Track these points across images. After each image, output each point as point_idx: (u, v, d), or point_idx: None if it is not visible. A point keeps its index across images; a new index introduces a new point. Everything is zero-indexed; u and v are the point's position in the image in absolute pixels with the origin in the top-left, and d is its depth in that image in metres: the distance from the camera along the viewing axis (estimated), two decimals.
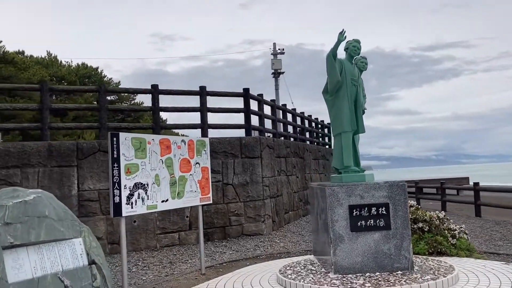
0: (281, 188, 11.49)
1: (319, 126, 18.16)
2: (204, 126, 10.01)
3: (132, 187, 5.37)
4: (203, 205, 6.66)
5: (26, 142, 8.53)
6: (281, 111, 13.35)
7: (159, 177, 5.78)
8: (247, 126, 10.59)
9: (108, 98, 19.70)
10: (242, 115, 10.69)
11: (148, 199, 5.57)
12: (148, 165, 5.64)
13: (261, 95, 11.37)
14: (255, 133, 11.16)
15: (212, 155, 9.73)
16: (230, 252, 8.33)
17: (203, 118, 10.00)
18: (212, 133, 10.54)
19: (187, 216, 9.26)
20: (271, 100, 12.32)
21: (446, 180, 25.95)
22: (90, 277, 4.51)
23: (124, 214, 5.23)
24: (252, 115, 10.76)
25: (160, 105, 9.76)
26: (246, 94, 10.56)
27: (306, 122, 15.95)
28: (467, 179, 30.93)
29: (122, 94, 22.57)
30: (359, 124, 5.78)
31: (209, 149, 6.84)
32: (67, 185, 8.39)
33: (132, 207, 5.33)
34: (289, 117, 14.05)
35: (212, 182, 9.66)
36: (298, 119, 15.03)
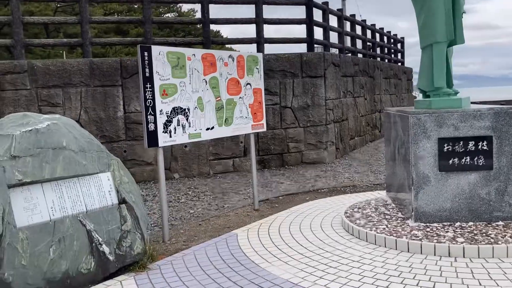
0: (346, 112, 10.30)
1: (392, 40, 16.22)
2: (260, 41, 8.83)
3: (170, 113, 4.49)
4: (256, 133, 5.73)
5: (67, 59, 7.85)
6: (348, 23, 11.73)
7: (202, 101, 4.85)
8: (309, 40, 9.27)
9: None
10: (303, 27, 9.35)
11: (189, 126, 4.70)
12: (189, 86, 4.70)
13: (326, 3, 9.85)
14: (318, 49, 9.84)
15: (269, 74, 8.64)
16: (288, 182, 7.51)
17: (259, 31, 8.79)
18: (269, 49, 9.39)
19: (241, 142, 8.45)
20: (337, 10, 10.75)
21: None
22: (119, 219, 3.80)
23: (161, 144, 4.41)
24: (315, 27, 9.38)
25: (210, 17, 8.63)
26: (308, 2, 9.12)
27: (377, 36, 14.17)
28: None
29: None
30: (458, 32, 4.39)
31: (262, 67, 5.76)
32: (112, 107, 7.75)
33: (170, 136, 4.50)
34: (358, 30, 12.42)
35: (268, 105, 8.67)
36: (368, 33, 13.30)
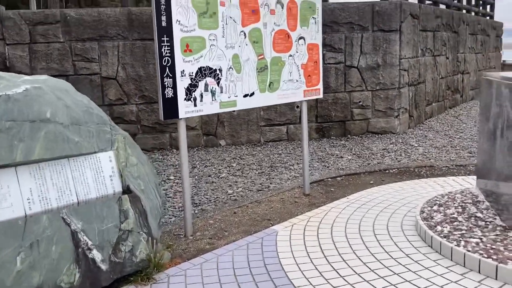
0: (424, 73, 8.77)
1: None
2: None
3: (194, 74, 3.48)
4: (309, 101, 4.61)
5: (102, 8, 7.03)
6: None
7: (239, 59, 3.78)
8: None
9: None
10: None
11: (221, 92, 3.68)
12: (222, 39, 3.64)
13: None
14: None
15: (332, 27, 7.33)
16: (349, 157, 6.35)
17: None
18: None
19: (297, 107, 7.33)
20: None
21: None
22: (118, 215, 2.93)
23: (182, 115, 3.45)
24: None
25: None
26: None
27: None
28: None
29: None
30: None
31: (321, 16, 4.53)
32: (152, 63, 6.88)
33: (195, 105, 3.51)
34: None
35: (330, 64, 7.41)
36: None
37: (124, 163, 3.13)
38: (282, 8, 4.07)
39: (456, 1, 11.36)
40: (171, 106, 3.37)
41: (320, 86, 4.55)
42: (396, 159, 6.20)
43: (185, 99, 3.44)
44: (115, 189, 3.04)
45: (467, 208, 3.67)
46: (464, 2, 12.37)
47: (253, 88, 3.91)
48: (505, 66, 21.99)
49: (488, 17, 14.49)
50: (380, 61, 7.55)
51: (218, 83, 3.64)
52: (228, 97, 3.73)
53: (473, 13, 12.77)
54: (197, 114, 3.56)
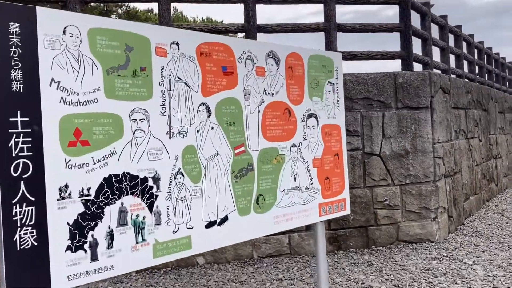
0: (459, 160, 6.99)
1: (502, 64, 12.64)
2: (329, 34, 5.89)
3: (95, 193, 1.63)
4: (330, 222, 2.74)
5: None
6: (452, 36, 8.53)
7: (197, 156, 1.96)
8: (406, 54, 6.23)
9: None
10: (395, 35, 6.35)
11: (158, 223, 1.81)
12: (160, 120, 1.85)
13: (427, 3, 6.80)
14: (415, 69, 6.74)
15: (345, 104, 5.66)
16: (378, 283, 4.35)
17: (329, 36, 5.89)
18: (343, 67, 6.46)
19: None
20: (440, 16, 7.63)
21: None
22: None
23: (59, 285, 1.54)
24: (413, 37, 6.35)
25: None
26: (404, 0, 6.14)
27: (485, 57, 10.77)
28: None
29: None
30: None
31: (342, 81, 2.81)
32: None
33: (94, 257, 1.62)
34: (463, 47, 9.17)
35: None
36: (475, 53, 9.98)
37: None
38: (278, 65, 2.34)
39: (478, 76, 9.91)
40: (31, 266, 1.50)
41: (346, 194, 2.70)
42: None
43: (70, 248, 1.57)
44: None
45: None
46: (486, 77, 10.96)
47: (225, 209, 2.06)
48: None
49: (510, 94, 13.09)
50: (408, 146, 5.78)
51: (150, 207, 1.79)
52: (174, 232, 1.86)
53: (496, 89, 11.33)
54: (99, 278, 1.66)
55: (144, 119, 1.79)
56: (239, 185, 2.13)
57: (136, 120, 1.77)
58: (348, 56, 6.11)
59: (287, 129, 2.41)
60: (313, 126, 2.55)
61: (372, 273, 4.77)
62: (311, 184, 2.50)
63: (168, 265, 5.20)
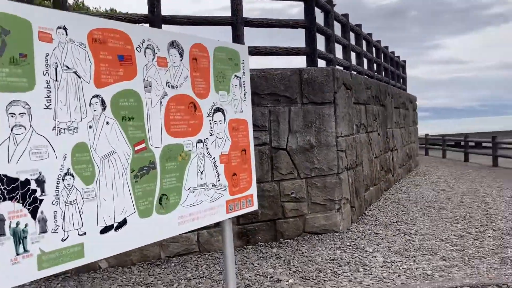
0: (360, 153, 7.34)
1: (395, 62, 13.51)
2: (235, 24, 5.84)
3: None
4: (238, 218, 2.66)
5: None
6: (353, 35, 8.93)
7: (90, 154, 1.76)
8: (311, 51, 6.38)
9: None
10: (299, 32, 6.47)
11: (44, 231, 1.59)
12: (44, 114, 1.62)
13: (330, 1, 7.01)
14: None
15: (253, 99, 5.66)
16: (290, 279, 4.41)
17: (236, 31, 5.84)
18: (252, 62, 6.46)
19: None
20: (342, 15, 7.93)
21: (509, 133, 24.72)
22: None
23: None
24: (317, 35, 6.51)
25: None
26: None
27: (382, 56, 11.45)
28: None
29: None
30: None
31: (249, 75, 2.74)
32: None
33: None
34: (363, 45, 9.65)
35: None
36: (373, 51, 10.54)
37: None
38: (181, 56, 2.21)
39: (376, 73, 10.51)
40: None
41: (254, 190, 2.64)
42: (356, 278, 4.35)
43: None
44: None
45: None
46: (383, 74, 11.65)
47: (123, 212, 1.89)
48: (428, 140, 22.24)
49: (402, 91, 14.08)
50: (313, 140, 5.93)
51: (33, 213, 1.57)
52: (63, 240, 1.66)
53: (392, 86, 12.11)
54: None
55: (24, 113, 1.56)
56: (140, 185, 1.97)
57: (14, 114, 1.54)
58: (255, 51, 6.10)
59: (193, 124, 2.28)
60: (220, 121, 2.45)
61: (280, 266, 4.82)
62: (218, 181, 2.40)
63: (67, 271, 4.81)
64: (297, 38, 6.78)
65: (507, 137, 24.79)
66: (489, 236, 5.69)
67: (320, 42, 7.04)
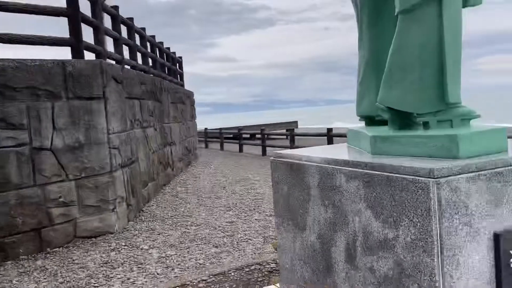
0: (136, 149, 7.20)
1: (171, 58, 13.70)
2: None
3: None
4: None
5: None
6: (125, 28, 8.65)
7: None
8: (76, 42, 5.92)
9: None
10: (61, 20, 5.95)
11: None
12: None
13: None
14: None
15: (5, 94, 4.96)
16: None
17: None
18: (5, 51, 5.63)
19: None
20: (112, 7, 7.58)
21: (276, 125, 28.66)
22: None
23: None
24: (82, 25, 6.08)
25: None
26: None
27: (157, 51, 11.47)
28: (296, 123, 31.68)
29: None
30: None
31: None
32: None
33: None
34: (137, 39, 9.47)
35: (7, 147, 4.95)
36: (148, 46, 10.45)
37: None
38: None
39: (152, 68, 10.49)
40: None
41: None
42: (129, 279, 4.23)
43: None
44: None
45: None
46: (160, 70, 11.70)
47: None
48: (208, 133, 23.15)
49: (180, 86, 14.46)
50: (82, 138, 5.53)
51: None
52: None
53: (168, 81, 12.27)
54: None
55: None
56: None
57: None
58: (8, 39, 5.34)
59: None
60: None
61: (45, 279, 4.34)
62: None
63: None
64: (64, 30, 6.19)
65: (275, 129, 28.10)
66: (256, 219, 6.26)
67: (89, 34, 6.62)
